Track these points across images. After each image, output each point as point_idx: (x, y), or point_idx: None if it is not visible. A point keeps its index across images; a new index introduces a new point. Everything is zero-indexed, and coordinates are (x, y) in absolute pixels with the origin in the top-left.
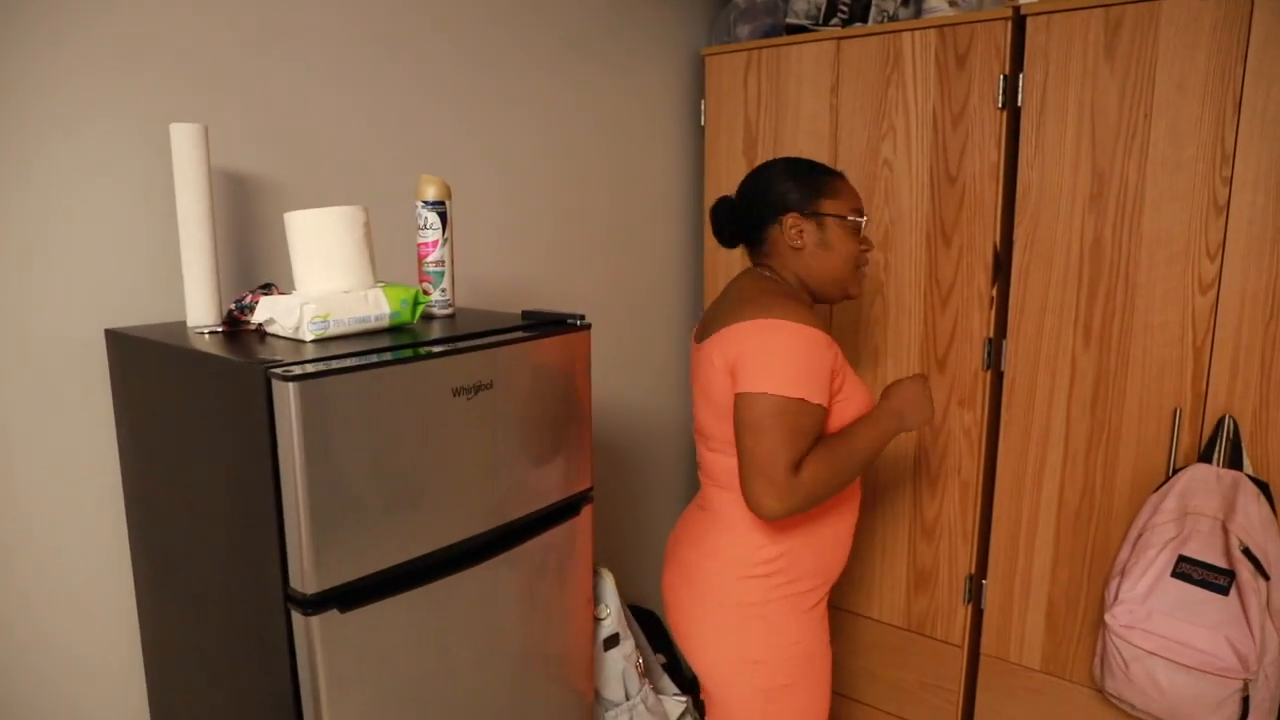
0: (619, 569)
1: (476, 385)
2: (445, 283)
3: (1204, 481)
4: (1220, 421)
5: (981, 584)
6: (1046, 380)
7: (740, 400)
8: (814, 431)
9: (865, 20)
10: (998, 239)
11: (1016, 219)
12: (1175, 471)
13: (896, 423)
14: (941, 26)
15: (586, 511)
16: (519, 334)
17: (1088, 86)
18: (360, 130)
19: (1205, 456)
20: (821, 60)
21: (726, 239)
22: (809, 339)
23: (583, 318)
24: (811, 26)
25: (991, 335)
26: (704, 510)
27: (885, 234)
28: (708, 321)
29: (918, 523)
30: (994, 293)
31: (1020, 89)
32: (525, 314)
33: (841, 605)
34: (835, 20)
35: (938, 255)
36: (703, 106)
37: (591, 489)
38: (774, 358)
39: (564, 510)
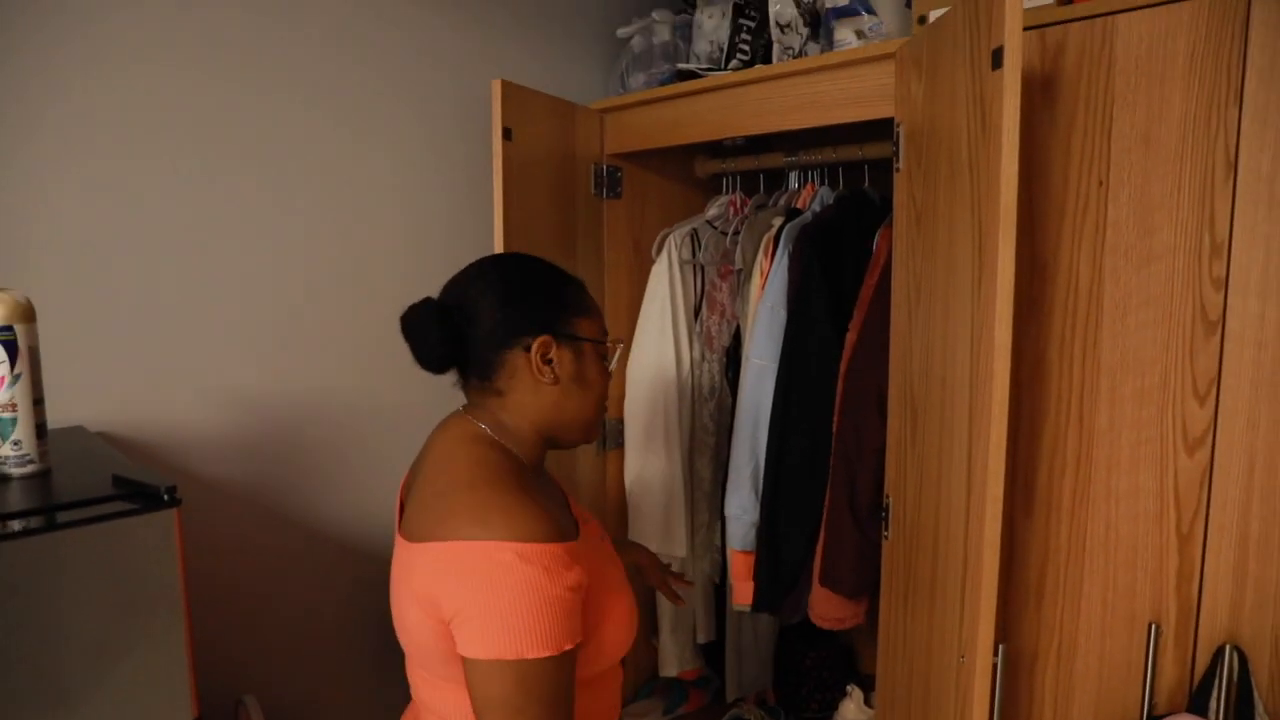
0: None
1: None
2: (19, 432)
3: None
4: (1219, 652)
5: None
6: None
7: (471, 669)
8: (572, 684)
9: (769, 60)
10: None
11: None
12: None
13: None
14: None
15: None
16: (82, 513)
17: (1021, 137)
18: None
19: (1198, 703)
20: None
21: (435, 360)
22: (547, 569)
23: (174, 490)
24: (704, 72)
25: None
26: None
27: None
28: (416, 503)
29: None
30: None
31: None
32: (116, 479)
33: None
34: (735, 63)
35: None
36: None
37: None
38: (510, 608)
39: None
